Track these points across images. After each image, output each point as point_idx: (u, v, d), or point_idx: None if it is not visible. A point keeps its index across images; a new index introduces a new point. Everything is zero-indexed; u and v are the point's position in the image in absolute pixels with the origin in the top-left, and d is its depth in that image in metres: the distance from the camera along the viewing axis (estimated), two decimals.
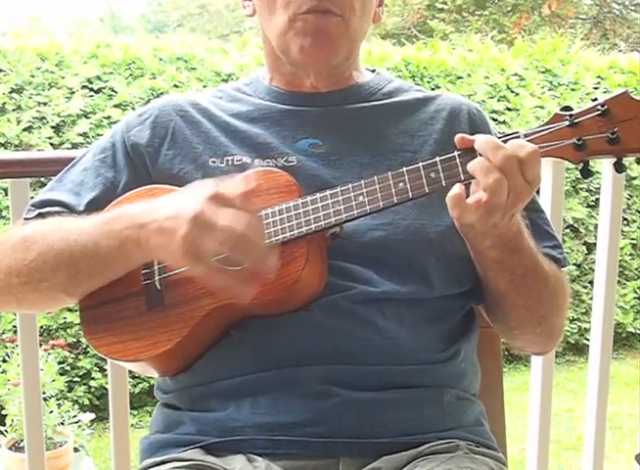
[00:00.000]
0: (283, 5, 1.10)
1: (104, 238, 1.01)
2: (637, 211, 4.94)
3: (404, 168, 0.98)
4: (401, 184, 0.98)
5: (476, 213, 0.93)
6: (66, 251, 1.03)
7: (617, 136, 0.93)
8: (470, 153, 0.96)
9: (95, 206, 1.12)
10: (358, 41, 1.16)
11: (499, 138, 0.96)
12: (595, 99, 0.95)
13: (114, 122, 3.60)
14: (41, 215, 1.13)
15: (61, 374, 3.37)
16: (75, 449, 3.11)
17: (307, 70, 1.15)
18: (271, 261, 0.94)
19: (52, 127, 3.91)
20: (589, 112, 0.94)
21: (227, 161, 1.12)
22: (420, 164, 0.98)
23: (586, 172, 0.96)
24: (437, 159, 0.97)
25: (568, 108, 0.96)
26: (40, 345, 1.76)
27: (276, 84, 1.20)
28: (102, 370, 3.75)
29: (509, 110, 4.78)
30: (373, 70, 1.24)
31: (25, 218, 1.15)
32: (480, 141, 0.94)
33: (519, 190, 0.92)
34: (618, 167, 0.96)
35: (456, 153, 0.97)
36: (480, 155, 0.94)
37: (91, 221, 1.04)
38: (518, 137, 0.95)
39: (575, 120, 0.94)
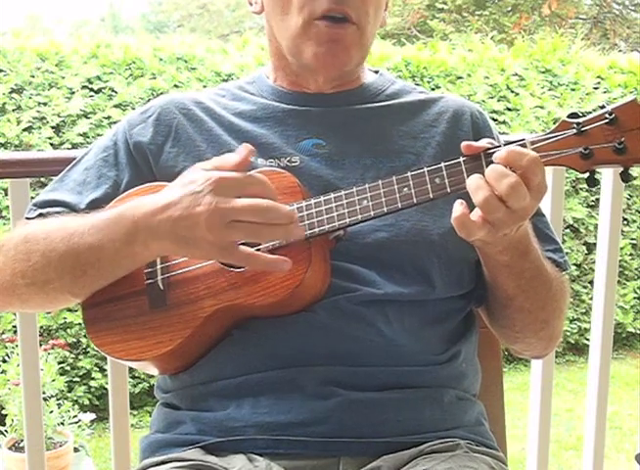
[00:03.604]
0: (298, 7, 1.08)
1: (108, 240, 1.00)
2: (637, 211, 4.95)
3: (409, 173, 0.97)
4: (406, 189, 0.97)
5: (482, 230, 0.92)
6: (69, 252, 1.03)
7: (623, 146, 0.91)
8: (476, 159, 0.95)
9: (97, 205, 1.12)
10: (370, 47, 1.16)
11: (505, 144, 0.94)
12: (603, 106, 0.93)
13: (115, 122, 3.60)
14: (42, 216, 1.13)
15: (61, 374, 3.37)
16: (75, 449, 3.11)
17: (317, 74, 1.15)
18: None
19: (52, 127, 3.91)
20: (596, 120, 0.92)
21: None
22: (425, 170, 0.97)
23: (592, 182, 0.94)
24: (443, 164, 0.96)
25: (575, 115, 0.93)
26: (40, 345, 1.76)
27: (280, 83, 1.19)
28: (102, 370, 3.75)
29: (509, 110, 4.77)
30: (376, 72, 1.24)
31: (27, 218, 1.15)
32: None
33: (527, 208, 0.92)
34: (625, 177, 0.94)
35: (461, 159, 0.95)
36: (486, 162, 0.93)
37: (93, 220, 1.03)
38: (524, 145, 0.93)
39: (583, 129, 0.92)
